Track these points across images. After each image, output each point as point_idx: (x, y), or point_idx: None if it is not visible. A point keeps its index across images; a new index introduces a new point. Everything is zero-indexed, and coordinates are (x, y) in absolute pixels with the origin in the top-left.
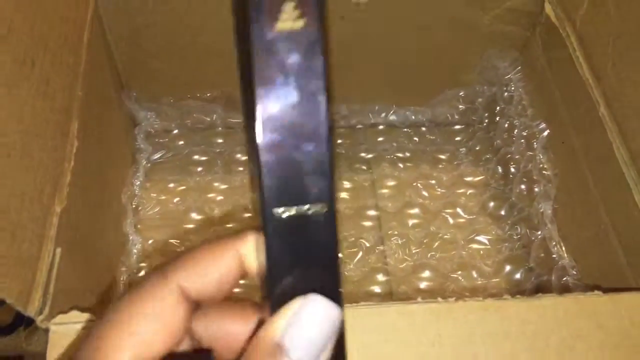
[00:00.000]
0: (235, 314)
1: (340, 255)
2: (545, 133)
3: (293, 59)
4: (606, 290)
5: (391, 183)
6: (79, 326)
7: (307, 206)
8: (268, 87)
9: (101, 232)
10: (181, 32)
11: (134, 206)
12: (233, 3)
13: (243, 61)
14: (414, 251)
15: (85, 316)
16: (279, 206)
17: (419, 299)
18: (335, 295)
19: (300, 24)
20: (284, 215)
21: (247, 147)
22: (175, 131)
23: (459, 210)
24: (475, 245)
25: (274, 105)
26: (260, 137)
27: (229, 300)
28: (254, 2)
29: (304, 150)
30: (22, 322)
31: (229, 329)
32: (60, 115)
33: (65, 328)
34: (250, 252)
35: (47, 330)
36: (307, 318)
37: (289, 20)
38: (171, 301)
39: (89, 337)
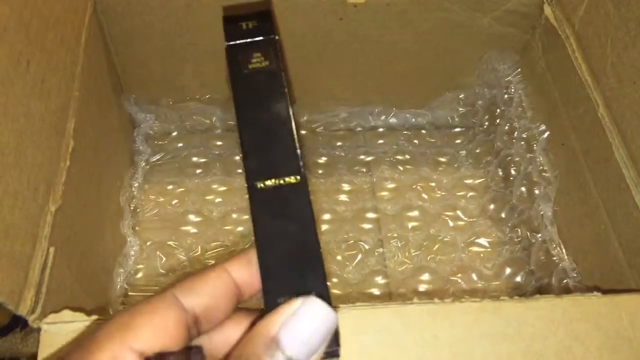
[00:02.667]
0: (230, 320)
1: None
2: (545, 135)
3: (263, 84)
4: (606, 292)
5: (391, 185)
6: (71, 326)
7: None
8: (246, 107)
9: (98, 233)
10: (180, 34)
11: (132, 208)
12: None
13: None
14: (413, 254)
15: (78, 316)
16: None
17: (415, 300)
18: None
19: (265, 64)
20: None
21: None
22: (174, 133)
23: (459, 212)
24: (475, 248)
25: (251, 117)
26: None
27: None
28: (233, 54)
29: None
30: (18, 324)
31: (226, 334)
32: (55, 115)
33: (57, 327)
34: (241, 272)
35: (39, 330)
36: (305, 318)
37: (257, 62)
38: (166, 308)
39: (87, 333)
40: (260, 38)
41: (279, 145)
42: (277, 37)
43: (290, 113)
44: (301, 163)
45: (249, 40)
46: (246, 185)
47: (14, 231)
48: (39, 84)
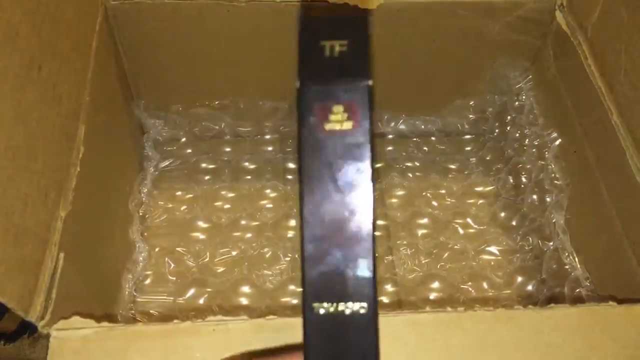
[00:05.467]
0: None
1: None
2: (557, 142)
3: (341, 160)
4: (621, 301)
5: (400, 193)
6: (80, 332)
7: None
8: (314, 184)
9: (107, 239)
10: (191, 40)
11: (140, 214)
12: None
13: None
14: (423, 262)
15: (87, 322)
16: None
17: (427, 308)
18: None
19: (348, 126)
20: (322, 312)
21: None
22: (184, 139)
23: (469, 220)
24: (485, 256)
25: (319, 201)
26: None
27: None
28: (308, 103)
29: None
30: (26, 329)
31: None
32: (66, 120)
33: (66, 334)
34: None
35: (48, 336)
36: None
37: (337, 122)
38: None
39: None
40: (349, 82)
41: (351, 257)
42: (371, 84)
43: (373, 214)
44: (374, 289)
45: (331, 86)
46: (302, 304)
47: (25, 236)
48: (51, 89)
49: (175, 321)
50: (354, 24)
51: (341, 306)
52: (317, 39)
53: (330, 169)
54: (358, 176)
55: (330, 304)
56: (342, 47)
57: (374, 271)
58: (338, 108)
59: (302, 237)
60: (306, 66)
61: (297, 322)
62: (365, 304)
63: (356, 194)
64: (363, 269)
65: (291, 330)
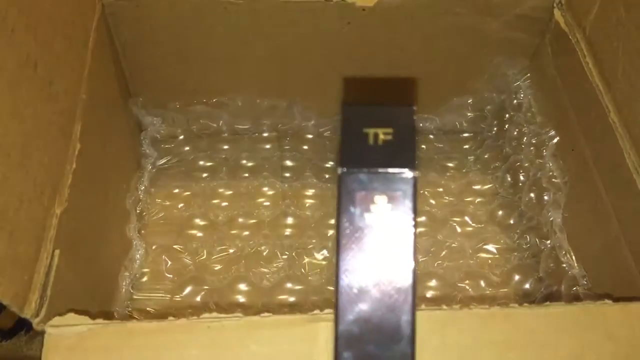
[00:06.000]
0: None
1: None
2: (555, 140)
3: (382, 249)
4: (617, 300)
5: None
6: (75, 329)
7: None
8: (351, 279)
9: (104, 236)
10: (188, 38)
11: (138, 211)
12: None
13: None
14: (420, 260)
15: (82, 319)
16: None
17: (423, 306)
18: None
19: (392, 215)
20: None
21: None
22: (181, 137)
23: (467, 218)
24: (483, 255)
25: (356, 297)
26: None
27: None
28: (348, 190)
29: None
30: (23, 326)
31: None
32: (62, 118)
33: (61, 331)
34: None
35: (43, 333)
36: None
37: (378, 212)
38: None
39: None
40: (393, 173)
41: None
42: (416, 175)
43: (413, 311)
44: None
45: (375, 175)
46: None
47: (19, 233)
48: (47, 86)
49: (170, 318)
50: (398, 112)
51: None
52: (360, 125)
53: (369, 261)
54: (399, 270)
55: None
56: (386, 135)
57: None
58: (381, 198)
59: (336, 338)
60: (348, 153)
61: (292, 319)
62: None
63: (396, 289)
64: None
65: (286, 328)
